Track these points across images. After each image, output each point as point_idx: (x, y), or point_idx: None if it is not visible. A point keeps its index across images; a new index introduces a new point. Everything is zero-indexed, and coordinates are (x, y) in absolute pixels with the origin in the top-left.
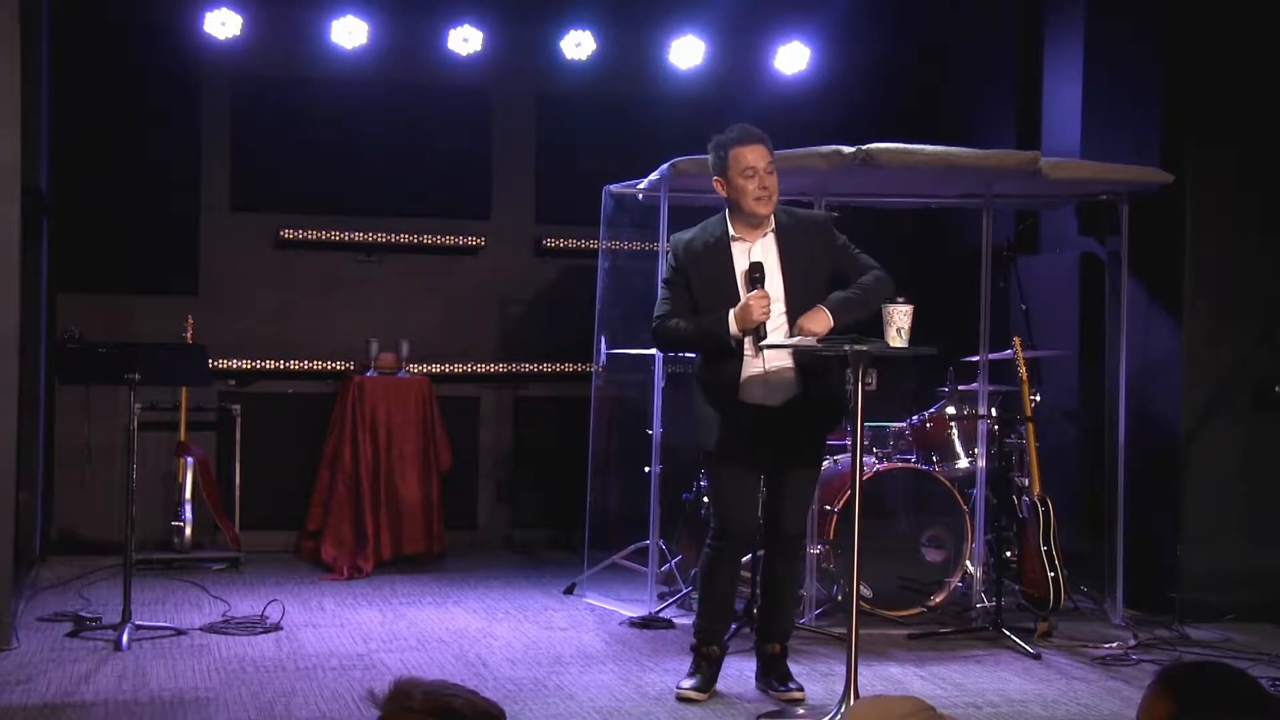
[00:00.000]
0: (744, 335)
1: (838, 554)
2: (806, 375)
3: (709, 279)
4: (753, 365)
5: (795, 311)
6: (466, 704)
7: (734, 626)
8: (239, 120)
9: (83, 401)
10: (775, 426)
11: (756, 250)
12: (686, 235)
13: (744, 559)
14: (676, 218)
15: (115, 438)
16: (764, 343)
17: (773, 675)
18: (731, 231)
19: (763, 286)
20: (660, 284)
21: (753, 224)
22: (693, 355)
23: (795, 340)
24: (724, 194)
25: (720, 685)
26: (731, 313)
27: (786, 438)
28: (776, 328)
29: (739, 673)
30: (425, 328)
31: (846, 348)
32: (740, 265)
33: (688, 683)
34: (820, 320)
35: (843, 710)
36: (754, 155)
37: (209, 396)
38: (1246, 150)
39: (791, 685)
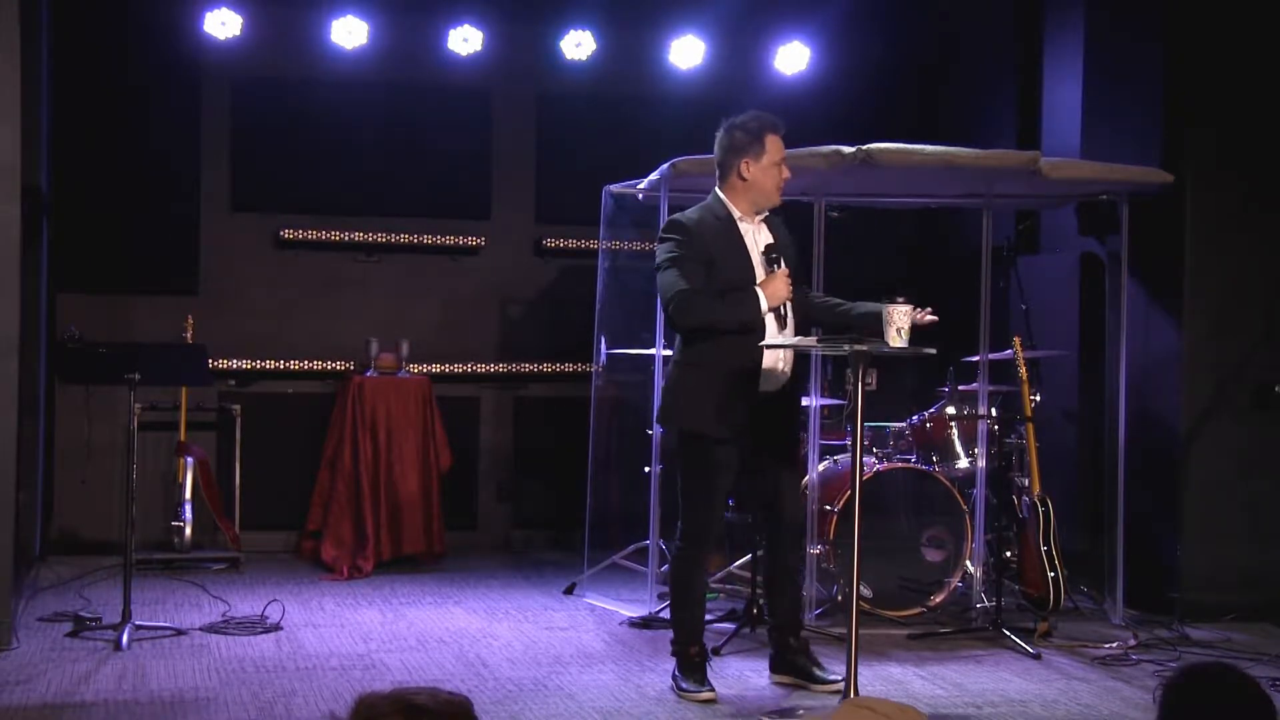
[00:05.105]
0: (770, 312)
1: (838, 554)
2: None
3: (726, 257)
4: (770, 349)
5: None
6: (429, 697)
7: (734, 627)
8: (239, 120)
9: (83, 401)
10: (769, 418)
11: (759, 233)
12: (692, 215)
13: (743, 560)
14: None
15: (115, 438)
16: (764, 341)
17: (812, 664)
18: (736, 212)
19: (781, 266)
20: (667, 262)
21: (753, 209)
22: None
23: (795, 340)
24: (746, 175)
25: (720, 685)
26: (759, 290)
27: (780, 429)
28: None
29: (739, 673)
30: (425, 328)
31: (846, 348)
32: (751, 245)
33: (689, 684)
34: None
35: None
36: (782, 146)
37: (209, 396)
38: (1247, 151)
39: (832, 674)
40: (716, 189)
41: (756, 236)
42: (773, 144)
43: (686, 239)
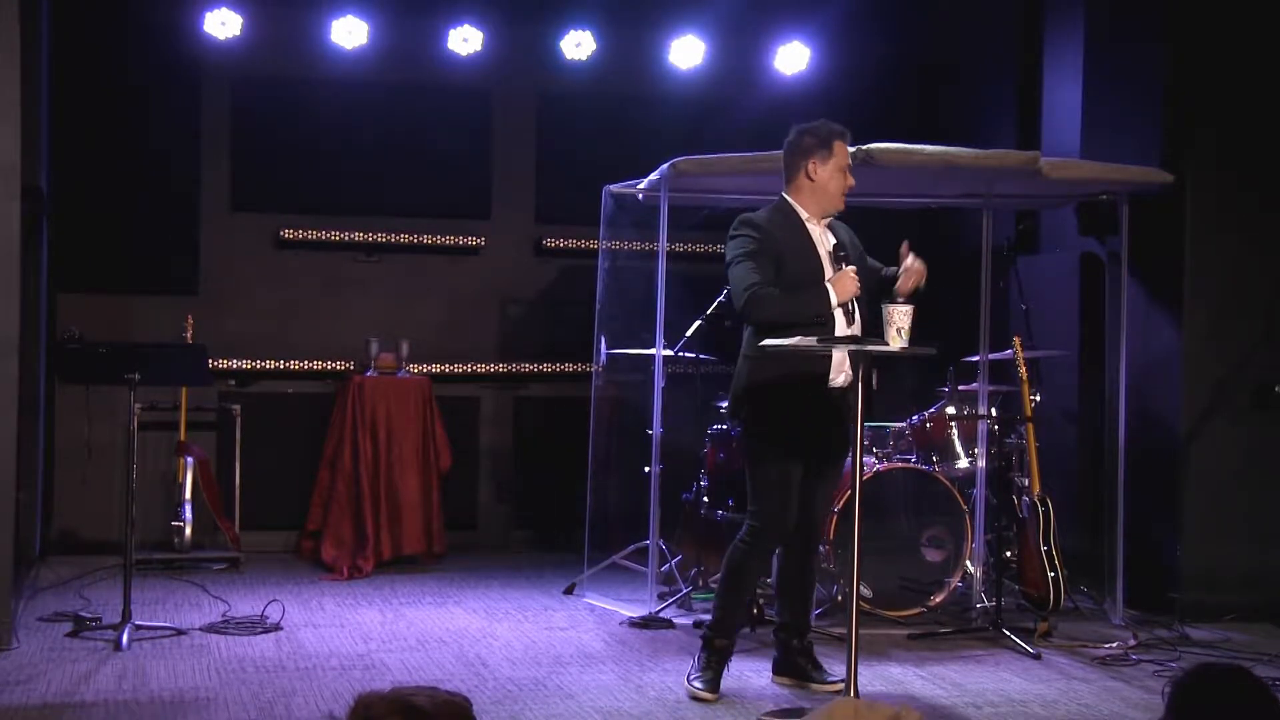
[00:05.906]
0: (839, 307)
1: (838, 554)
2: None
3: (796, 254)
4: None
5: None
6: (428, 699)
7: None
8: (239, 120)
9: (83, 401)
10: (831, 417)
11: (826, 234)
12: (761, 214)
13: None
14: (676, 218)
15: (115, 438)
16: (765, 341)
17: (812, 665)
18: (804, 213)
19: (848, 264)
20: (740, 257)
21: (820, 211)
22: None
23: (795, 340)
24: (814, 176)
25: (721, 685)
26: (830, 286)
27: (837, 430)
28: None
29: (739, 673)
30: (425, 328)
31: (846, 348)
32: (819, 243)
33: (699, 682)
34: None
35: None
36: (848, 154)
37: (209, 396)
38: (1246, 150)
39: (832, 676)
40: (783, 193)
41: (824, 237)
42: (840, 150)
43: (758, 235)
